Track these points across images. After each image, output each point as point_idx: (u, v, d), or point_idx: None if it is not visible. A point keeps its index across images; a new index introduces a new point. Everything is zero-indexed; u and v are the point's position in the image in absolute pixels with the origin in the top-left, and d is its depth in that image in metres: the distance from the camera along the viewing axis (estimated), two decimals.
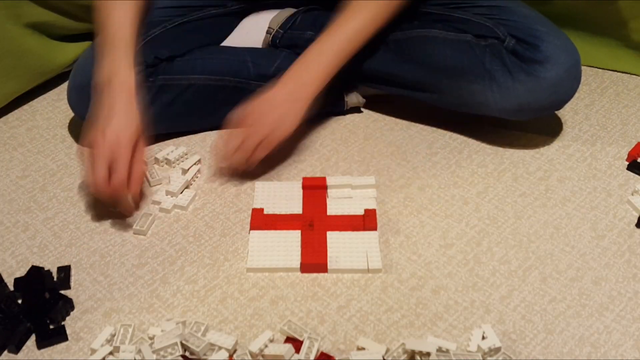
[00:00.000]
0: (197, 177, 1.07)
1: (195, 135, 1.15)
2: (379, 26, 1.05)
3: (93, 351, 0.81)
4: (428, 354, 0.78)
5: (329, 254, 0.93)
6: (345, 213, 0.99)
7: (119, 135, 0.93)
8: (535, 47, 1.01)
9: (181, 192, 1.03)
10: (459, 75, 1.06)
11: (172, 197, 1.02)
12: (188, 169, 1.07)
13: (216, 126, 1.15)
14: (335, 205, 1.00)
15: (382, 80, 1.16)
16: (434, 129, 1.16)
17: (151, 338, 0.82)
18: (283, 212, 0.99)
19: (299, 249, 0.93)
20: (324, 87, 1.04)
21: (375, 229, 0.96)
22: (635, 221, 0.98)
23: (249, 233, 0.97)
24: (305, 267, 0.91)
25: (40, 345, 0.82)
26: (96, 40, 1.03)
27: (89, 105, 1.05)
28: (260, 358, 0.80)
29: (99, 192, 0.93)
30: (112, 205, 0.98)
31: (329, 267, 0.91)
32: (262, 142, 1.01)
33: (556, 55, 1.01)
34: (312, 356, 0.79)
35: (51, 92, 1.26)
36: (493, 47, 1.04)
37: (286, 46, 1.17)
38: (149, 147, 1.12)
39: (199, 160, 1.09)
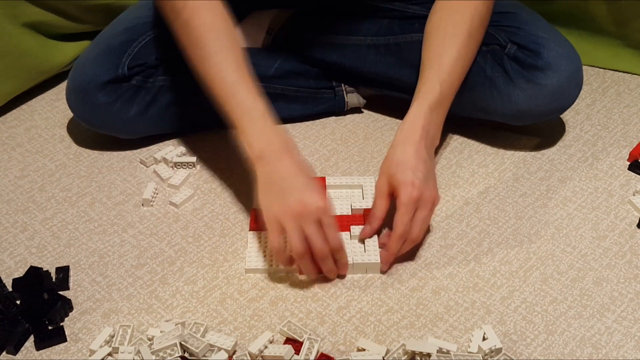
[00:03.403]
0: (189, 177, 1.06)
1: (195, 135, 1.15)
2: (478, 43, 0.99)
3: (92, 352, 0.80)
4: (429, 355, 0.78)
5: None
6: (345, 213, 0.98)
7: (320, 200, 0.85)
8: (536, 53, 1.00)
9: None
10: None
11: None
12: (179, 184, 1.05)
13: (216, 126, 1.15)
14: (335, 205, 1.00)
15: (382, 84, 1.15)
16: None
17: (150, 339, 0.81)
18: None
19: None
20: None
21: None
22: (637, 221, 0.98)
23: (248, 234, 0.96)
24: None
25: (39, 346, 0.82)
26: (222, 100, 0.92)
27: (88, 105, 1.05)
28: (260, 359, 0.80)
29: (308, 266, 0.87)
30: (316, 273, 0.89)
31: None
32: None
33: (557, 62, 1.00)
34: (312, 357, 0.79)
35: (49, 91, 1.26)
36: (494, 54, 1.03)
37: (286, 47, 1.17)
38: (148, 147, 1.12)
39: (193, 164, 1.08)
